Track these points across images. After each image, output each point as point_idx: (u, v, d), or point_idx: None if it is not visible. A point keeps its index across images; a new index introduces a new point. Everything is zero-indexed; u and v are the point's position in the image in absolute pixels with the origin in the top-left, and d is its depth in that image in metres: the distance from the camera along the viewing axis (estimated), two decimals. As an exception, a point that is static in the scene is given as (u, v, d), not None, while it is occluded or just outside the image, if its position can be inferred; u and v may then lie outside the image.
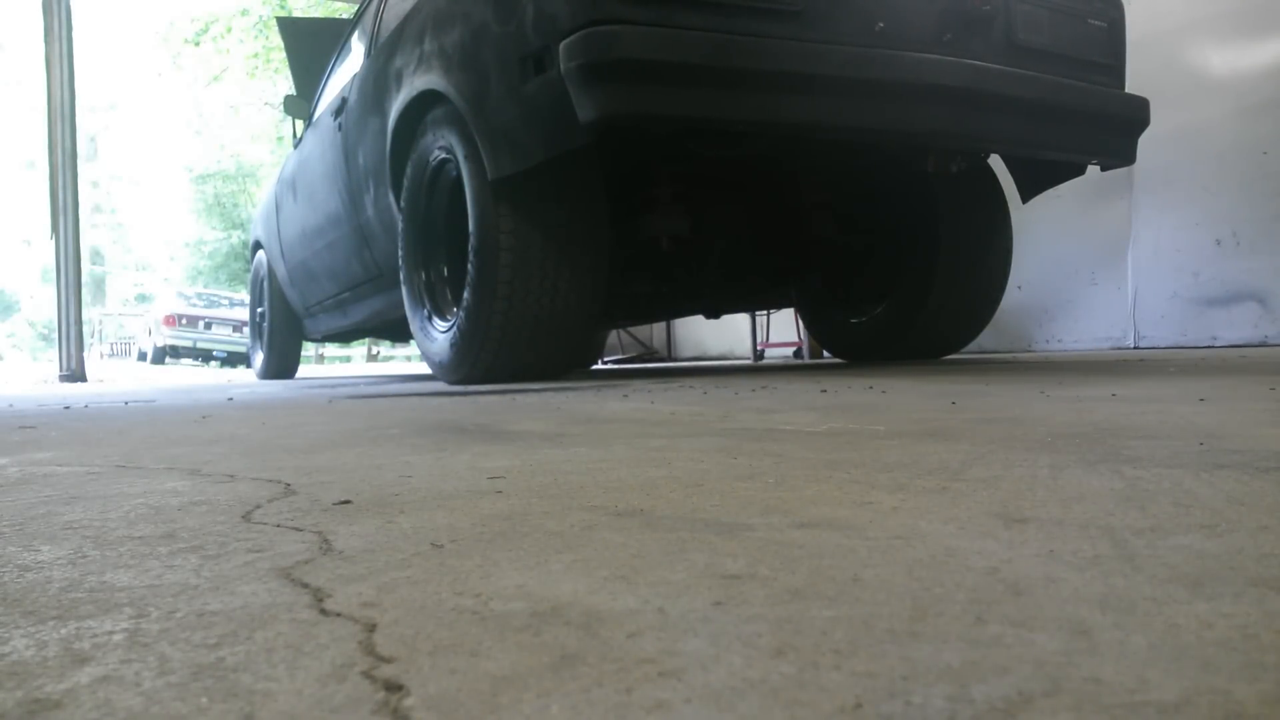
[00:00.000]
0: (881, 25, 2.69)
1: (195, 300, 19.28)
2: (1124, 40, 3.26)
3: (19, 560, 0.64)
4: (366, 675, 0.39)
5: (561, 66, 2.44)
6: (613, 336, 8.29)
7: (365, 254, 4.12)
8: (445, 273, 3.43)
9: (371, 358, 22.06)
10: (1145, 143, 3.39)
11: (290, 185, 5.17)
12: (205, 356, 18.16)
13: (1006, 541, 0.58)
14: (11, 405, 3.04)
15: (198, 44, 18.06)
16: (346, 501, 0.82)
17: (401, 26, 3.50)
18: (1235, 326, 4.58)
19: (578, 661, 0.39)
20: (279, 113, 13.29)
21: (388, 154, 3.56)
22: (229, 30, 17.39)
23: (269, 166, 25.03)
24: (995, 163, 3.72)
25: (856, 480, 0.84)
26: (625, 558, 0.58)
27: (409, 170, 3.40)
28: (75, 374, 6.73)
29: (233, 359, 17.78)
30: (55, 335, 7.04)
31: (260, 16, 16.66)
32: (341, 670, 0.39)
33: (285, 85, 12.04)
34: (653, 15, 2.46)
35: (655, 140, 3.21)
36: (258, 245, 6.17)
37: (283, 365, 6.13)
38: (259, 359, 6.31)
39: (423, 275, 3.45)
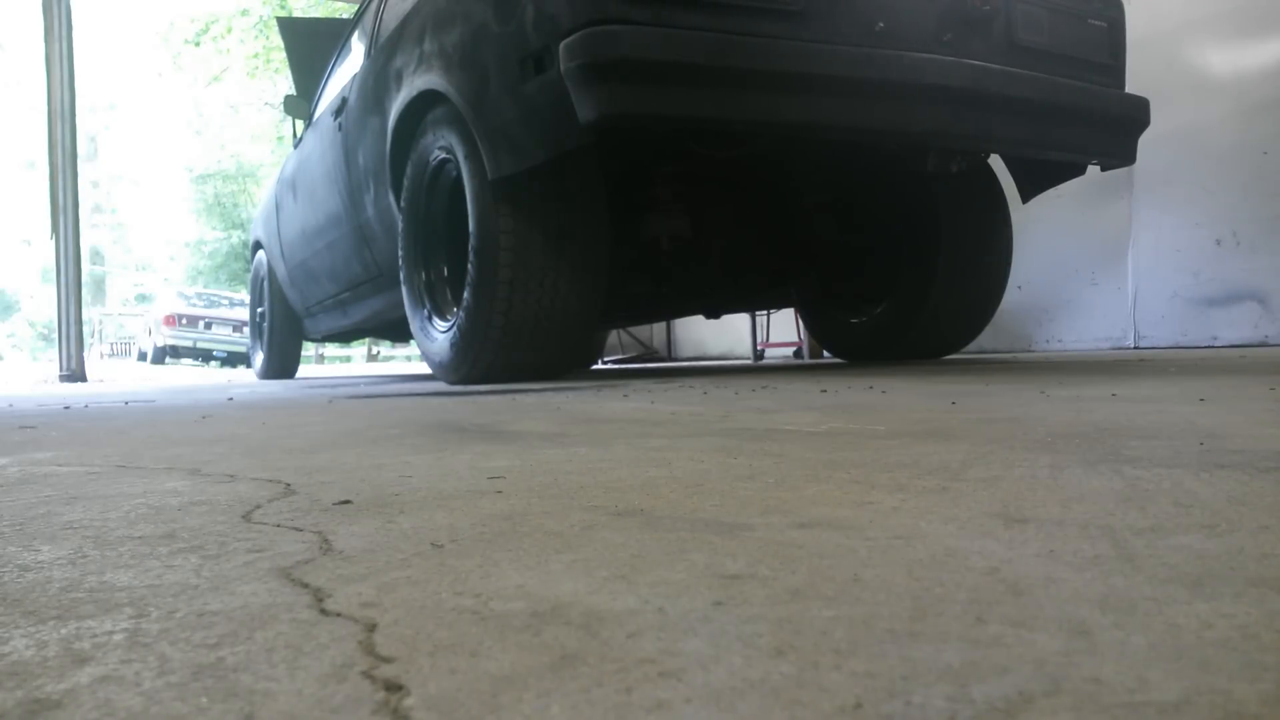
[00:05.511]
0: (881, 25, 2.69)
1: (195, 300, 19.27)
2: (1124, 40, 3.26)
3: (19, 560, 0.64)
4: (366, 675, 0.39)
5: (561, 66, 2.44)
6: (613, 336, 8.29)
7: (365, 254, 4.12)
8: (445, 273, 3.43)
9: (371, 358, 22.06)
10: (1145, 143, 3.39)
11: (290, 185, 5.17)
12: (205, 356, 18.16)
13: (1006, 541, 0.58)
14: (11, 405, 3.04)
15: (198, 44, 18.05)
16: (346, 501, 0.82)
17: (401, 26, 3.50)
18: (1235, 326, 4.58)
19: (578, 661, 0.39)
20: (279, 113, 13.30)
21: (388, 154, 3.56)
22: (229, 30, 17.38)
23: (269, 166, 25.03)
24: (995, 163, 3.72)
25: (857, 480, 0.84)
26: (625, 558, 0.58)
27: (409, 170, 3.40)
28: (75, 374, 6.73)
29: (233, 359, 17.78)
30: (55, 335, 7.04)
31: (260, 16, 16.65)
32: (341, 670, 0.39)
33: (285, 85, 12.04)
34: (653, 15, 2.46)
35: (655, 140, 3.21)
36: (258, 245, 6.18)
37: (283, 365, 6.13)
38: (259, 359, 6.31)
39: (423, 275, 3.45)
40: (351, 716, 0.34)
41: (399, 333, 5.44)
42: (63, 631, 0.47)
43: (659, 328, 8.69)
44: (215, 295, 20.45)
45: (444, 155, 3.19)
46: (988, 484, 0.79)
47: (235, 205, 29.78)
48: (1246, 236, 4.53)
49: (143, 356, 19.73)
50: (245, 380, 6.63)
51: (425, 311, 3.43)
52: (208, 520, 0.76)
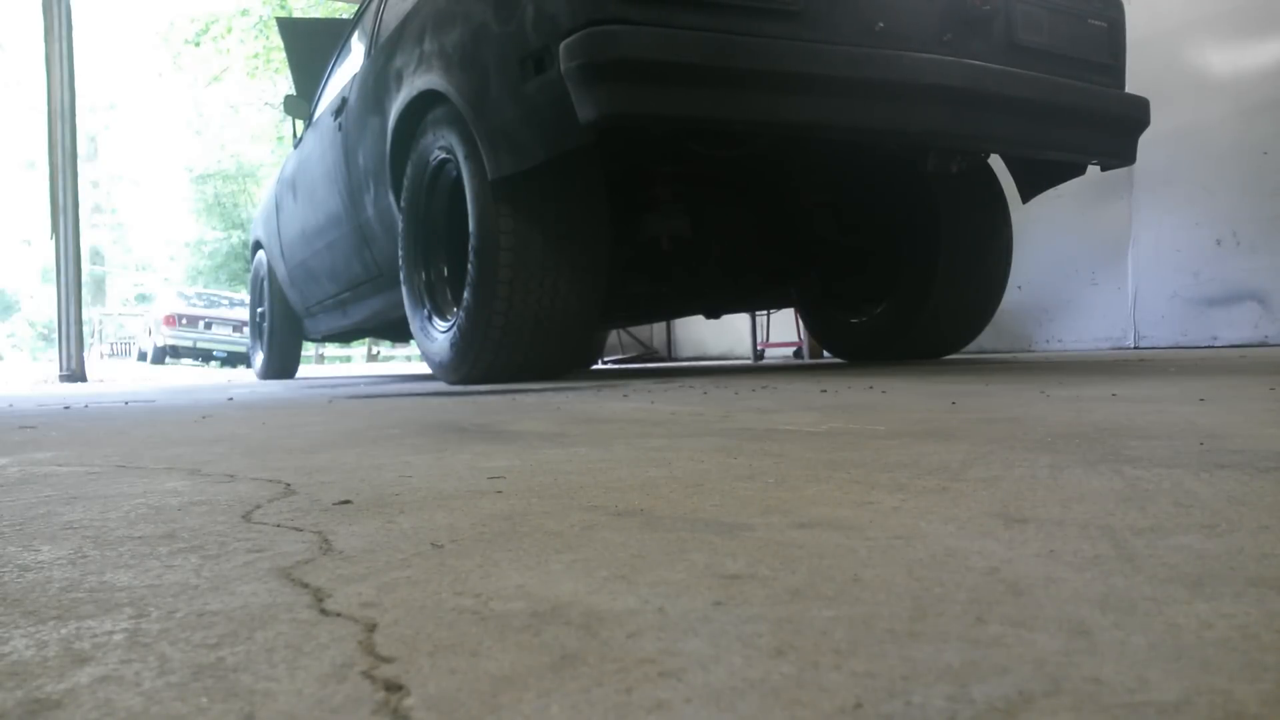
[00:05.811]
0: (881, 25, 2.69)
1: (195, 300, 19.28)
2: (1124, 40, 3.26)
3: (19, 560, 0.64)
4: (366, 675, 0.39)
5: (561, 66, 2.44)
6: (613, 336, 8.29)
7: (365, 254, 4.12)
8: (445, 273, 3.43)
9: (371, 358, 22.06)
10: (1145, 143, 3.39)
11: (290, 185, 5.17)
12: (205, 356, 18.16)
13: (1006, 541, 0.58)
14: (11, 405, 3.04)
15: (198, 44, 18.05)
16: (346, 501, 0.82)
17: (401, 26, 3.50)
18: (1235, 326, 4.58)
19: (578, 661, 0.39)
20: (279, 113, 13.30)
21: (388, 154, 3.56)
22: (229, 30, 17.39)
23: (269, 166, 25.04)
24: (995, 163, 3.72)
25: (857, 480, 0.84)
26: (625, 558, 0.58)
27: (409, 170, 3.40)
28: (75, 374, 6.73)
29: (233, 359, 17.78)
30: (55, 335, 7.04)
31: (260, 16, 16.66)
32: (341, 670, 0.39)
33: (285, 85, 12.04)
34: (652, 15, 2.46)
35: (655, 140, 3.21)
36: (258, 245, 6.18)
37: (283, 365, 6.13)
38: (259, 359, 6.31)
39: (423, 275, 3.46)
40: (351, 716, 0.34)
41: (399, 333, 5.44)
42: (63, 631, 0.47)
43: (659, 328, 8.69)
44: (215, 295, 20.45)
45: (444, 155, 3.19)
46: (988, 484, 0.79)
47: (235, 205, 29.78)
48: (1246, 236, 4.53)
49: (143, 356, 19.73)
50: (245, 380, 6.63)
51: (425, 311, 3.43)
52: (208, 520, 0.76)
